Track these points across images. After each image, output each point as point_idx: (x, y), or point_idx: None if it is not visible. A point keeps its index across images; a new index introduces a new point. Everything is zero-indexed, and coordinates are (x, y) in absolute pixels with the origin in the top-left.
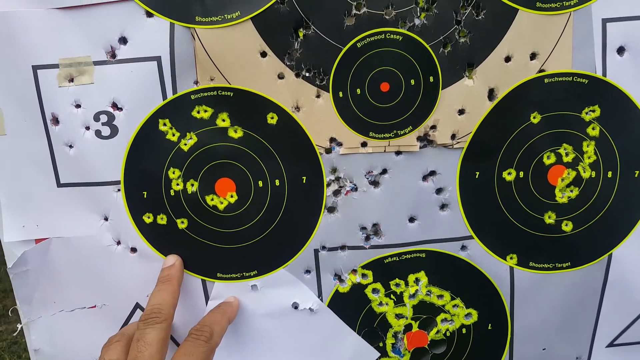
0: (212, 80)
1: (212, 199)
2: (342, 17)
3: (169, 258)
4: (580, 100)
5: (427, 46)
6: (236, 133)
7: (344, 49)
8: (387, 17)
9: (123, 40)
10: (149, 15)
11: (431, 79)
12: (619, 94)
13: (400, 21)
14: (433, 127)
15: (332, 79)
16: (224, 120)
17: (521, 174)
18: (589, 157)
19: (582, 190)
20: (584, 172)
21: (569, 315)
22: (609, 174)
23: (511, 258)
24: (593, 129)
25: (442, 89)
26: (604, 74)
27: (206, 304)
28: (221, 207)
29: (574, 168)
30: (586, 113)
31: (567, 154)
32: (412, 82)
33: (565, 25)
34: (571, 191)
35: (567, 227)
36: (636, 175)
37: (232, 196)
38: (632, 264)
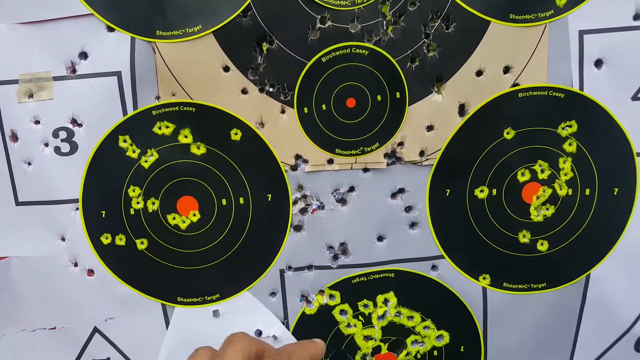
0: (173, 95)
1: (174, 218)
2: (306, 31)
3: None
4: (557, 115)
5: (393, 61)
6: (199, 150)
7: (309, 64)
8: (352, 31)
9: (84, 55)
10: (110, 29)
11: (398, 94)
12: (596, 109)
13: (366, 35)
14: (400, 143)
15: (296, 94)
16: (186, 137)
17: (494, 191)
18: (565, 174)
19: (559, 209)
20: (561, 189)
21: (545, 336)
22: (587, 192)
23: (484, 278)
24: (570, 144)
25: (409, 105)
26: (581, 88)
27: (166, 329)
28: (183, 226)
29: (550, 185)
30: (562, 128)
31: (542, 171)
32: (379, 97)
33: (541, 37)
34: (547, 209)
35: (542, 246)
36: (615, 193)
37: (194, 215)
38: (611, 285)
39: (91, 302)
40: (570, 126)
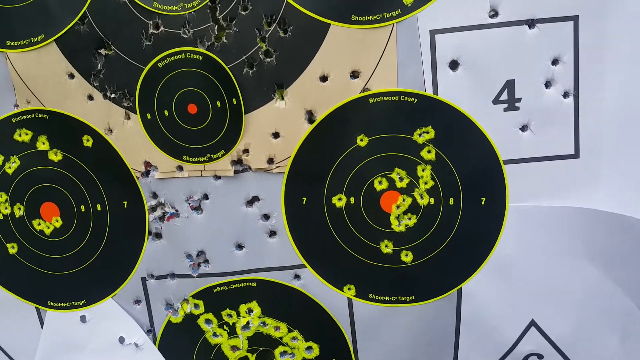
0: (28, 102)
1: (39, 224)
2: (140, 36)
3: None
4: (411, 121)
5: (225, 66)
6: (56, 156)
7: (146, 69)
8: (184, 36)
9: None
10: None
11: (234, 101)
12: (454, 113)
13: (199, 40)
14: (246, 150)
15: (137, 100)
16: (43, 143)
17: (352, 199)
18: (425, 183)
19: (421, 218)
20: (421, 198)
21: (421, 354)
22: (451, 201)
23: (349, 289)
24: (428, 152)
25: (247, 112)
26: (435, 92)
27: (41, 328)
28: (48, 231)
29: (410, 194)
30: (419, 135)
31: (400, 179)
32: (219, 104)
33: (388, 39)
34: (409, 219)
35: (407, 257)
36: (482, 203)
37: (57, 221)
38: (487, 301)
39: None
40: (427, 132)
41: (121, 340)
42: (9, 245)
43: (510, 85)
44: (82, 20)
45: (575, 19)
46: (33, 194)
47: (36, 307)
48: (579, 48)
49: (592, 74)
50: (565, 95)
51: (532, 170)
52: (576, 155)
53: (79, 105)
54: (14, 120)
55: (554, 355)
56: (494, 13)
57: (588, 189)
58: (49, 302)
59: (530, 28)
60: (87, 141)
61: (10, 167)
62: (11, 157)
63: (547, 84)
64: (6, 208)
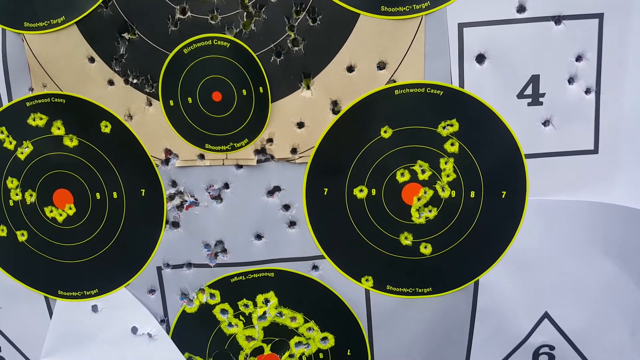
0: (44, 86)
1: (51, 211)
2: (166, 21)
3: None
4: (436, 113)
5: (253, 54)
6: (72, 142)
7: (170, 55)
8: (212, 22)
9: None
10: None
11: (261, 89)
12: (479, 107)
13: (227, 27)
14: (270, 140)
15: (160, 86)
16: (59, 129)
17: (373, 191)
18: (447, 175)
19: (441, 211)
20: (443, 191)
21: (436, 344)
22: (472, 194)
23: (367, 280)
24: (452, 145)
25: (273, 101)
26: (462, 85)
27: (50, 318)
28: (60, 219)
29: (431, 187)
30: (443, 127)
31: (423, 172)
32: (244, 92)
33: (417, 31)
34: (429, 211)
35: (426, 249)
36: (503, 197)
37: (70, 208)
38: (503, 293)
39: None
40: (451, 125)
41: (134, 330)
42: (18, 233)
43: (534, 80)
44: (106, 4)
45: (600, 16)
46: (46, 181)
47: (45, 297)
48: (602, 45)
49: (614, 72)
50: (587, 91)
51: (552, 164)
52: (595, 150)
53: (98, 90)
54: (28, 104)
55: (565, 347)
56: (522, 8)
57: (606, 184)
58: (59, 291)
59: (556, 24)
60: (105, 127)
61: (22, 153)
62: (24, 142)
63: (570, 80)
64: (17, 194)
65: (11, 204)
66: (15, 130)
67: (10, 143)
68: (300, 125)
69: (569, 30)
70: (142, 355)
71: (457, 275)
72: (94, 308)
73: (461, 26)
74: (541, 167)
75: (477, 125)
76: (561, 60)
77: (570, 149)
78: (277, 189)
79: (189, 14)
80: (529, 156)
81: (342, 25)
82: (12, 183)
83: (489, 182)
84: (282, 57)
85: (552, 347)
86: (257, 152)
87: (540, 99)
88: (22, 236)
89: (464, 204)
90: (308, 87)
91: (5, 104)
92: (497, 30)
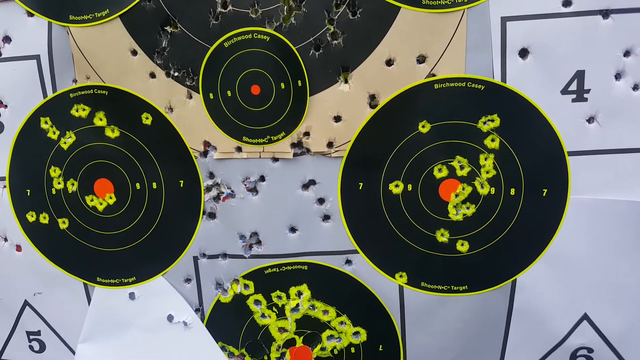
0: (88, 78)
1: (92, 200)
2: (208, 15)
3: None
4: (476, 108)
5: (292, 47)
6: (113, 133)
7: (211, 49)
8: (253, 16)
9: (7, 39)
10: (30, 14)
11: (299, 83)
12: (521, 102)
13: (267, 20)
14: (306, 133)
15: (201, 79)
16: (101, 120)
17: (409, 187)
18: (487, 172)
19: (480, 208)
20: (482, 188)
21: (470, 343)
22: (512, 192)
23: (401, 276)
24: (492, 140)
25: (311, 94)
26: (504, 80)
27: (89, 304)
28: (100, 208)
29: (470, 183)
30: (484, 123)
31: (461, 167)
32: (282, 85)
33: (458, 24)
34: (467, 208)
35: (462, 247)
36: (544, 195)
37: (110, 197)
38: (541, 293)
39: (20, 276)
40: (492, 120)
41: (170, 318)
42: (60, 221)
43: (579, 75)
44: None
45: None
46: (87, 170)
47: (84, 283)
48: None
49: None
50: (635, 88)
51: (596, 162)
52: None
53: (140, 82)
54: (72, 95)
55: (604, 349)
56: (567, 2)
57: None
58: (97, 278)
59: (604, 18)
60: (147, 119)
61: (65, 142)
62: (67, 132)
63: (617, 76)
64: (59, 183)
65: (53, 192)
66: (59, 121)
67: (54, 133)
68: (337, 119)
69: (617, 25)
70: (177, 343)
71: (494, 273)
72: (131, 295)
73: (504, 20)
74: (584, 164)
75: (518, 121)
76: (608, 55)
77: (615, 146)
78: (312, 182)
79: (230, 7)
80: (571, 153)
81: (382, 19)
82: (54, 172)
83: (529, 180)
84: (321, 51)
85: (590, 350)
86: (293, 145)
87: (585, 95)
88: (63, 224)
89: (503, 201)
90: (346, 81)
91: (50, 94)
92: (542, 24)
